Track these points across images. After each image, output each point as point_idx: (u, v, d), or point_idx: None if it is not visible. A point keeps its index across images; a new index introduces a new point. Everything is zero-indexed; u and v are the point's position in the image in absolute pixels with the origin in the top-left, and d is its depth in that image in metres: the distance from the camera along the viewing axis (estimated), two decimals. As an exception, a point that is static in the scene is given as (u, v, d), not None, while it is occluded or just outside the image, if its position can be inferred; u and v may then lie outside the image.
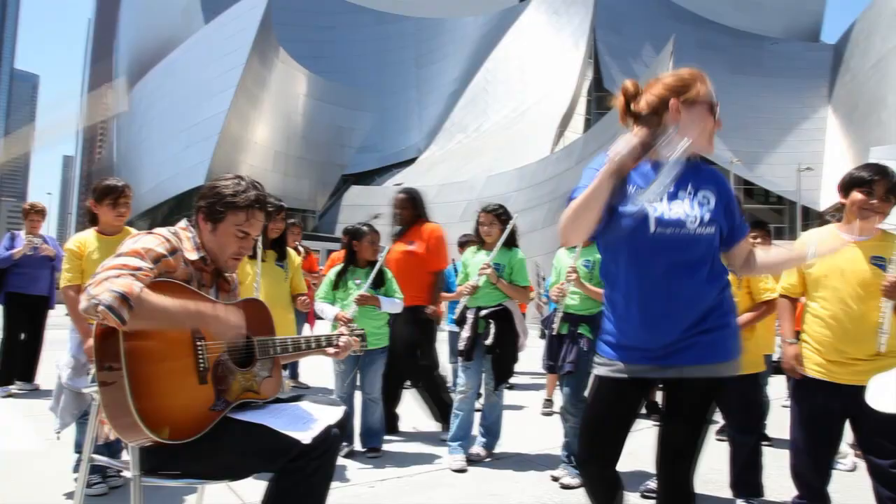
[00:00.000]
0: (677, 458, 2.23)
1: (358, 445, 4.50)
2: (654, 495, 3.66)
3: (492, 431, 4.46)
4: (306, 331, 7.43)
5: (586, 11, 46.98)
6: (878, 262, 2.83)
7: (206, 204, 2.21)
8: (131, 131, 42.68)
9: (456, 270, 5.59)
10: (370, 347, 4.07)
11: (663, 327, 2.12)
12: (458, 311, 4.47)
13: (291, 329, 4.13)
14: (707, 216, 2.11)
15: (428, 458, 4.37)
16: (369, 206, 39.57)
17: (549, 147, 39.78)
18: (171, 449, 1.96)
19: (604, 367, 2.24)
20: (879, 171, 2.91)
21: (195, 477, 2.08)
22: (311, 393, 2.40)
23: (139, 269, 1.94)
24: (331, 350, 2.44)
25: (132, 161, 40.03)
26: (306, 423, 2.11)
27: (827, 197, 39.56)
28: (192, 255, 2.16)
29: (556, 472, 3.97)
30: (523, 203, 32.59)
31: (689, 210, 2.11)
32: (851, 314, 2.88)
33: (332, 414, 2.21)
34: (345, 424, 2.30)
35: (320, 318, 4.85)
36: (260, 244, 3.96)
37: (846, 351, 2.89)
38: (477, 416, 4.51)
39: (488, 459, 4.39)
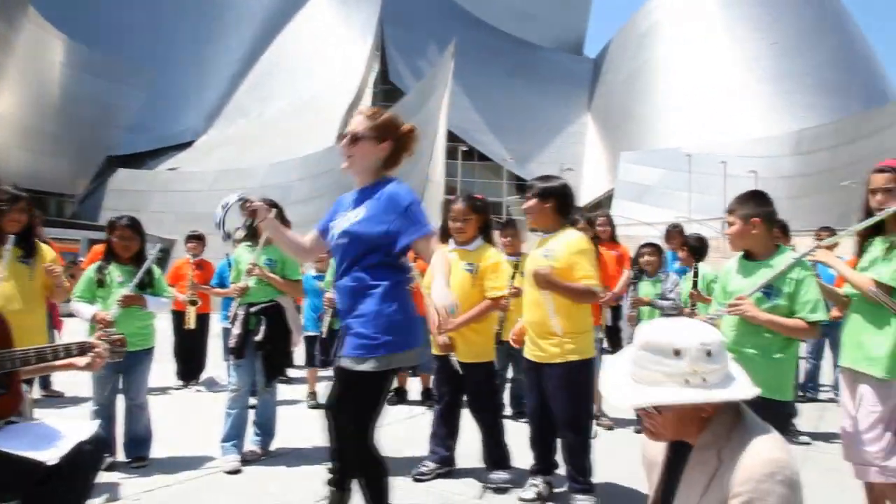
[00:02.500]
0: (341, 439, 2.68)
1: (122, 456, 4.19)
2: (425, 477, 3.91)
3: (265, 429, 4.39)
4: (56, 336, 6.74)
5: (374, 4, 47.44)
6: (547, 254, 3.44)
7: None
8: None
9: (230, 265, 5.39)
10: (133, 349, 3.82)
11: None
12: (232, 309, 4.34)
13: (41, 336, 3.71)
14: (346, 226, 2.66)
15: (199, 462, 4.20)
16: (138, 191, 36.55)
17: (334, 137, 39.69)
18: None
19: None
20: (538, 178, 3.60)
21: None
22: (68, 402, 2.21)
23: None
24: (82, 361, 2.22)
25: None
26: (52, 441, 1.95)
27: (586, 195, 44.14)
28: None
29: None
30: (306, 193, 32.25)
31: (337, 224, 2.72)
32: (532, 300, 3.51)
33: (84, 429, 2.05)
34: (101, 438, 2.15)
35: (72, 316, 4.42)
36: (11, 241, 3.51)
37: (533, 332, 3.52)
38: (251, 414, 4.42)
39: (264, 458, 4.33)
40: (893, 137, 33.55)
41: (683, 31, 47.51)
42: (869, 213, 2.93)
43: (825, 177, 35.45)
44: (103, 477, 3.72)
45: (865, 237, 3.02)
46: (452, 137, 37.84)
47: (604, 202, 41.39)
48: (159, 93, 43.28)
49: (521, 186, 43.16)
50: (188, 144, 43.49)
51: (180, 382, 7.12)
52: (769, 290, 2.82)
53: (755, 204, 2.95)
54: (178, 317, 6.96)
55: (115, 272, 4.14)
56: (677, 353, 1.50)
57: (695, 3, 48.30)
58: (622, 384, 1.60)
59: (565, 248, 3.39)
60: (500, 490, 3.74)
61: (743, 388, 1.57)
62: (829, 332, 5.30)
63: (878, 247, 2.93)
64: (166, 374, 6.85)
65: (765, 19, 46.31)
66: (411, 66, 46.16)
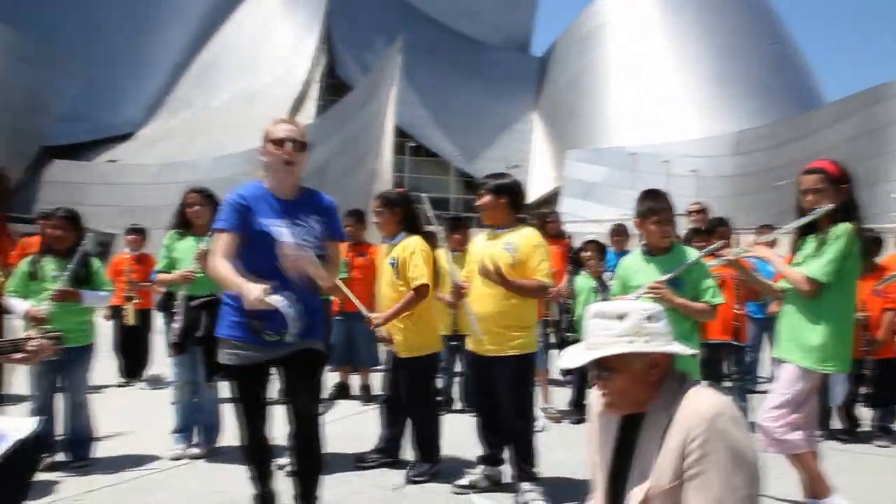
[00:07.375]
0: None
1: (63, 455, 4.05)
2: (367, 465, 3.99)
3: (210, 425, 4.32)
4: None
5: (320, -3, 46.87)
6: (508, 248, 3.47)
7: None
8: None
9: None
10: (72, 345, 3.69)
11: None
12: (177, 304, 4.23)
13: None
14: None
15: (142, 461, 4.10)
16: (77, 183, 35.24)
17: (282, 131, 39.00)
18: None
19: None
20: (490, 176, 3.68)
21: None
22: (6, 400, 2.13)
23: None
24: (17, 356, 2.14)
25: None
26: (-10, 439, 1.88)
27: (533, 192, 44.64)
28: None
29: (281, 461, 3.98)
30: (254, 187, 31.43)
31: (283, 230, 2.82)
32: (481, 293, 3.51)
33: (23, 426, 1.99)
34: (41, 436, 2.08)
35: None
36: None
37: (481, 325, 3.50)
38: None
39: (209, 455, 4.25)
40: (825, 140, 35.00)
41: (627, 32, 48.43)
42: (802, 212, 3.07)
43: (763, 176, 36.67)
44: (43, 477, 3.61)
45: (800, 235, 3.17)
46: (400, 133, 37.70)
47: (550, 199, 41.96)
48: (95, 83, 41.64)
49: (468, 183, 43.33)
50: (127, 137, 42.14)
51: (123, 380, 6.93)
52: (677, 282, 3.07)
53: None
54: (119, 312, 6.78)
55: (48, 265, 3.99)
56: (621, 316, 1.70)
57: (637, 6, 49.28)
58: (576, 352, 1.77)
59: (526, 242, 3.49)
60: (428, 481, 3.76)
61: (683, 347, 1.76)
62: (768, 326, 5.50)
63: (810, 244, 3.08)
64: (109, 371, 6.66)
65: (704, 23, 47.57)
66: (359, 59, 45.75)
